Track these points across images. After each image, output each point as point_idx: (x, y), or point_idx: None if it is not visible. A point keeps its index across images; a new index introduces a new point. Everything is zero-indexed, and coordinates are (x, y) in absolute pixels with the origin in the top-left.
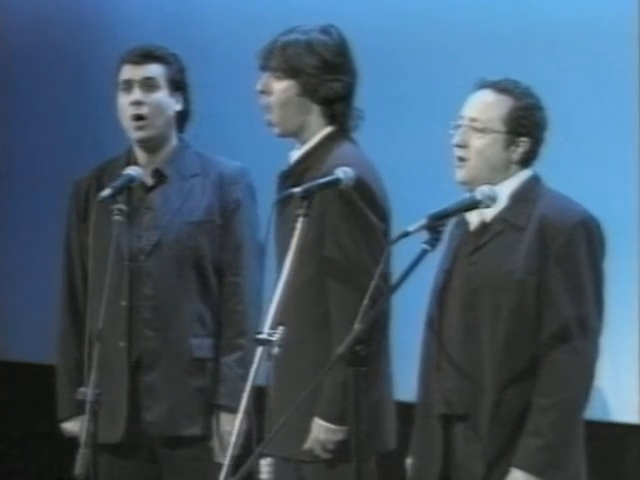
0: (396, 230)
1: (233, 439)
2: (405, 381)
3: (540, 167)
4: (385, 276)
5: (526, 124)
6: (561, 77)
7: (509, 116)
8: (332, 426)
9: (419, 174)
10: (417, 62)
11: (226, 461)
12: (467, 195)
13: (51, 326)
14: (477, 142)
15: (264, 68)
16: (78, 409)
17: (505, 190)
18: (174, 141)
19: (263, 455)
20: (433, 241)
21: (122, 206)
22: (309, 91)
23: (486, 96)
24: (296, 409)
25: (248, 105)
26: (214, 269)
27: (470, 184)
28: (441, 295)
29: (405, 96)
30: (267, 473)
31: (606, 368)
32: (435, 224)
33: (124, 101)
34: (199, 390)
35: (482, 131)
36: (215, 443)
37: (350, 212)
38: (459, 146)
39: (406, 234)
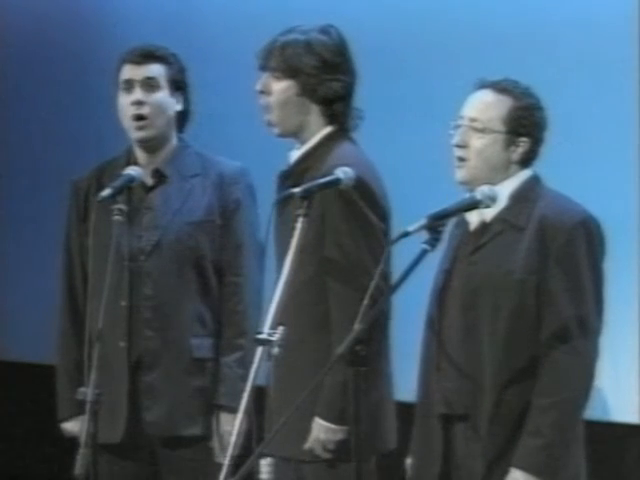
0: (396, 230)
1: (233, 439)
2: (405, 381)
3: (540, 167)
4: (385, 276)
5: (526, 124)
6: (561, 77)
7: (509, 116)
8: (332, 426)
9: (419, 174)
10: (417, 62)
11: (226, 461)
12: (467, 195)
13: (51, 326)
14: (477, 142)
15: (263, 68)
16: (78, 409)
17: (505, 190)
18: (174, 141)
19: (263, 455)
20: (433, 241)
21: (122, 206)
22: (308, 91)
23: (486, 96)
24: (296, 409)
25: (248, 105)
26: (214, 269)
27: (470, 184)
28: (441, 295)
29: (405, 96)
30: (267, 473)
31: (606, 368)
32: (435, 224)
33: (125, 101)
34: (199, 390)
35: (482, 131)
36: (215, 443)
37: (350, 212)
38: (459, 146)
39: (406, 234)
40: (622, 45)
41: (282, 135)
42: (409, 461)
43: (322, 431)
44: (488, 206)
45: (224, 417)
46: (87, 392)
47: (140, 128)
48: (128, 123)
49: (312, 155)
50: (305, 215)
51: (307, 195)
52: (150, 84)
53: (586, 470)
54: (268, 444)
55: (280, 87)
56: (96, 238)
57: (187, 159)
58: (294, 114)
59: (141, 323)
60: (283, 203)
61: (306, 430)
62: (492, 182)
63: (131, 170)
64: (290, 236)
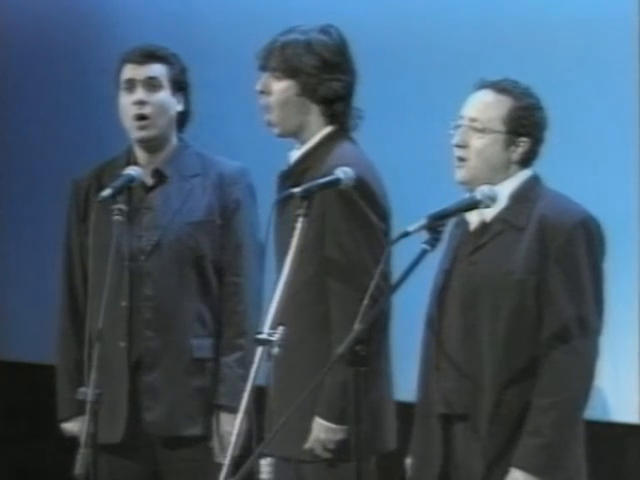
0: (396, 230)
1: (233, 439)
2: (405, 381)
3: (540, 167)
4: (385, 276)
5: (526, 124)
6: (561, 77)
7: (509, 116)
8: (332, 425)
9: (419, 174)
10: (417, 62)
11: (226, 461)
12: (467, 195)
13: (51, 326)
14: (477, 142)
15: (263, 68)
16: (78, 409)
17: (505, 190)
18: (174, 141)
19: (263, 455)
20: (433, 241)
21: (122, 206)
22: (308, 91)
23: (486, 96)
24: (296, 409)
25: (248, 105)
26: (214, 269)
27: (470, 184)
28: (441, 295)
29: (405, 96)
30: (267, 473)
31: (606, 368)
32: (435, 224)
33: (126, 101)
34: (199, 390)
35: (482, 131)
36: (215, 443)
37: (350, 212)
38: (459, 146)
39: (406, 234)
40: (622, 45)
41: (282, 135)
42: (409, 461)
43: (322, 431)
44: (488, 206)
45: (224, 417)
46: (87, 392)
47: (142, 128)
48: (130, 123)
49: (312, 155)
50: (305, 215)
51: (307, 195)
52: (152, 84)
53: (586, 470)
54: (268, 444)
55: (280, 87)
56: (96, 238)
57: (187, 159)
58: (294, 114)
59: (141, 323)
60: (283, 203)
61: (306, 430)
62: (492, 182)
63: (131, 170)
64: (290, 236)
